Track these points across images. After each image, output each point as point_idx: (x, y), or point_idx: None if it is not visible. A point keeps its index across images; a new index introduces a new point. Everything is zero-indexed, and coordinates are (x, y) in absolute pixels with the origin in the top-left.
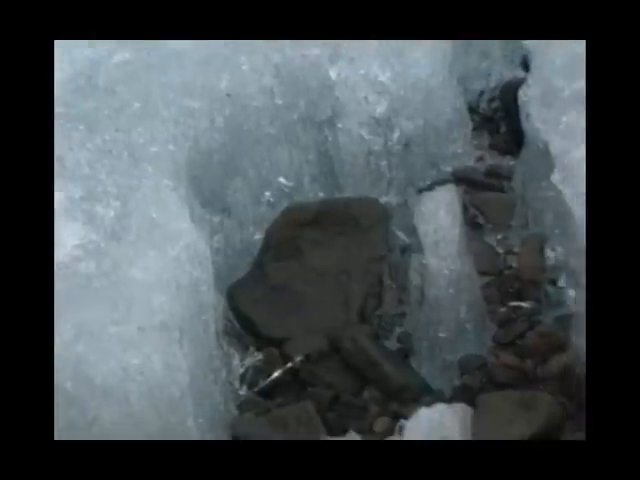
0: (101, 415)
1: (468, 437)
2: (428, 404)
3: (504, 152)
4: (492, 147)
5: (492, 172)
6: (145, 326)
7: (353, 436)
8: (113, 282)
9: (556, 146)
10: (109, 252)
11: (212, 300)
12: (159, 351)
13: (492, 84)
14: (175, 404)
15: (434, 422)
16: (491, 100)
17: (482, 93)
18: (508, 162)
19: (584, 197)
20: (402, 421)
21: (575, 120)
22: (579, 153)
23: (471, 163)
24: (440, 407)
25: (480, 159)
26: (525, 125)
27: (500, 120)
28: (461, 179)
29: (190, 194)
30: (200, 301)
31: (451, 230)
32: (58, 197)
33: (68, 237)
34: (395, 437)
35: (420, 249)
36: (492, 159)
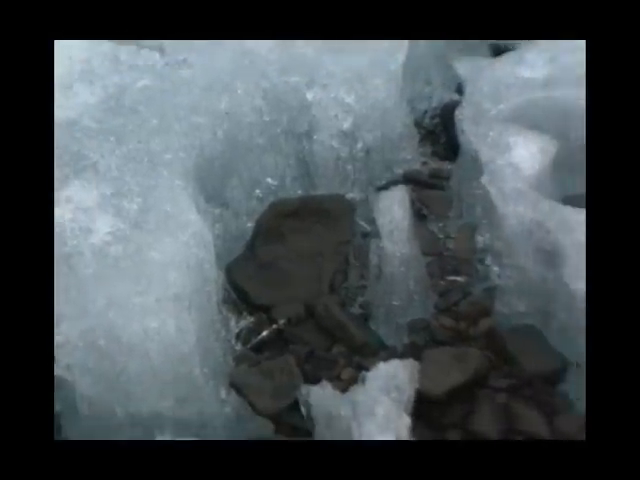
0: (127, 367)
1: (416, 386)
2: (384, 358)
3: (443, 158)
4: (434, 154)
5: (434, 174)
6: (161, 297)
7: (325, 385)
8: (136, 262)
9: (484, 155)
10: (133, 238)
11: (214, 276)
12: (172, 317)
13: (434, 104)
14: (185, 358)
15: (390, 374)
16: (433, 117)
17: (426, 112)
18: (447, 166)
19: (506, 195)
20: (364, 372)
21: (499, 135)
22: (501, 161)
23: (418, 167)
24: (394, 362)
25: (425, 163)
26: (460, 138)
27: (440, 133)
28: (410, 179)
29: (196, 192)
30: (204, 277)
31: (402, 221)
32: (93, 194)
33: (101, 226)
34: (358, 385)
35: (378, 235)
36: (434, 163)
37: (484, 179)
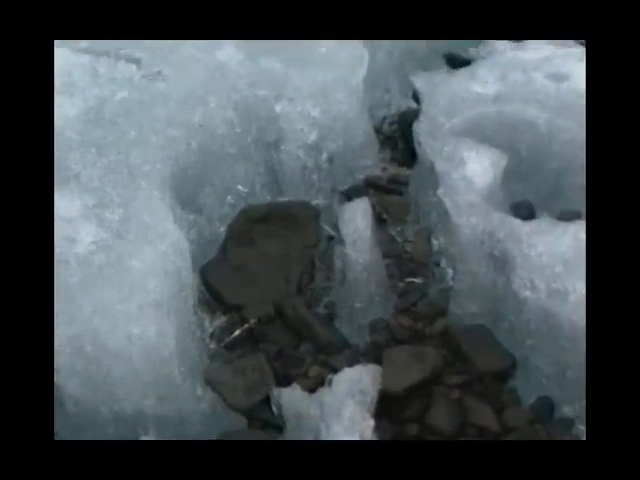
0: (112, 370)
1: (378, 388)
2: (348, 357)
3: (401, 164)
4: (393, 160)
5: (393, 180)
6: (143, 304)
7: (295, 387)
8: (118, 271)
9: (440, 167)
10: (115, 247)
11: (190, 281)
12: (153, 322)
13: (392, 112)
14: (165, 361)
15: (354, 378)
16: (391, 124)
17: (385, 118)
18: (405, 172)
19: (459, 207)
20: (330, 376)
21: (453, 149)
22: (456, 174)
23: (378, 173)
24: (358, 368)
25: (384, 169)
26: (417, 149)
27: (398, 139)
28: (370, 185)
29: (173, 200)
30: (181, 283)
31: (365, 231)
32: (76, 205)
33: (85, 236)
34: (325, 387)
35: (342, 242)
36: (393, 169)
37: (440, 191)
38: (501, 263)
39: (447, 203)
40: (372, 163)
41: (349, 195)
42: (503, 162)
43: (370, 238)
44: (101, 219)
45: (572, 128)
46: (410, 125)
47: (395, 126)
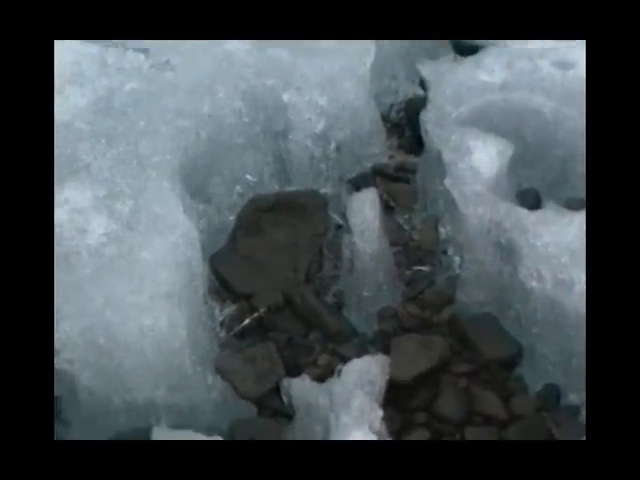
0: (124, 362)
1: (387, 378)
2: (356, 345)
3: (409, 151)
4: (400, 147)
5: (400, 167)
6: (154, 295)
7: (304, 377)
8: (129, 262)
9: (447, 157)
10: (126, 239)
11: (200, 271)
12: (165, 314)
13: (399, 99)
14: (176, 352)
15: (363, 369)
16: (399, 111)
17: (392, 105)
18: (412, 159)
19: (467, 197)
20: (339, 366)
21: (460, 138)
22: (463, 164)
23: (385, 160)
24: (367, 358)
25: (391, 157)
26: (424, 138)
27: (405, 126)
28: (378, 172)
29: (183, 190)
30: (192, 273)
31: (373, 221)
32: (87, 196)
33: (96, 227)
34: (334, 378)
35: (350, 232)
36: (400, 157)
37: (447, 181)
38: (507, 252)
39: (454, 193)
40: (379, 151)
41: (357, 183)
42: (509, 151)
43: (378, 228)
44: (112, 210)
45: (577, 116)
46: (417, 112)
47: (402, 113)
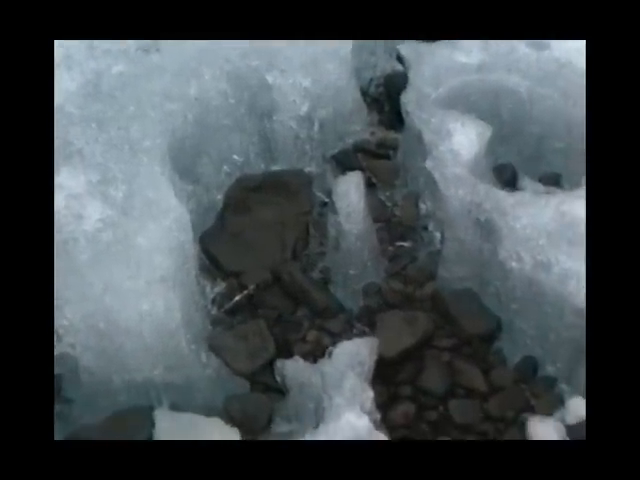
0: (124, 345)
1: (374, 359)
2: (342, 321)
3: (389, 127)
4: (380, 123)
5: (381, 144)
6: (150, 280)
7: (297, 359)
8: (125, 248)
9: (427, 138)
10: (121, 224)
11: (192, 253)
12: (161, 298)
13: (378, 74)
14: (172, 333)
15: (353, 351)
16: (378, 86)
17: (371, 80)
18: (392, 135)
19: (447, 179)
20: (330, 348)
21: (440, 121)
22: (443, 147)
23: (366, 137)
24: (357, 340)
25: (372, 134)
26: (405, 118)
27: (384, 101)
28: (359, 149)
29: (173, 173)
30: (185, 256)
31: (358, 204)
32: (81, 181)
33: (92, 213)
34: (325, 359)
35: (336, 212)
36: (380, 133)
37: (428, 163)
38: (487, 231)
39: (436, 175)
40: (361, 128)
41: (339, 160)
42: (488, 133)
43: (363, 210)
44: (106, 196)
45: (552, 95)
46: (396, 88)
47: (381, 88)
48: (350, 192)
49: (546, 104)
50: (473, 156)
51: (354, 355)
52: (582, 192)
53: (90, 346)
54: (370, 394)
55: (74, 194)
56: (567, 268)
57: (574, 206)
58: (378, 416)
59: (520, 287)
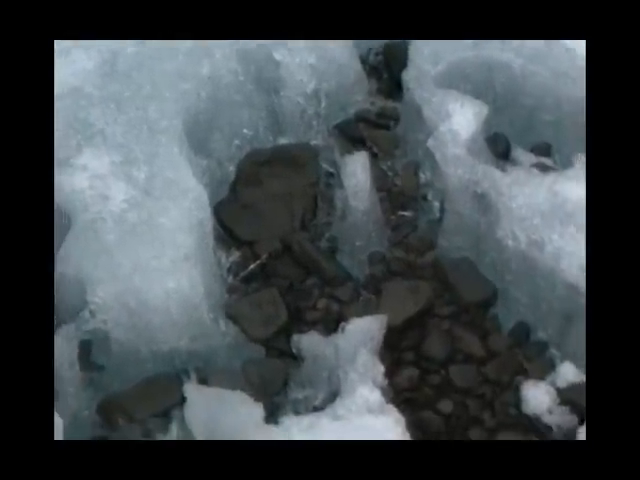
0: (152, 320)
1: (383, 332)
2: (350, 289)
3: (388, 96)
4: (379, 91)
5: (381, 113)
6: (175, 259)
7: (312, 334)
8: (150, 228)
9: (427, 115)
10: (145, 205)
11: (210, 229)
12: (185, 275)
13: (377, 43)
14: (196, 307)
15: (364, 327)
16: (377, 54)
17: (370, 49)
18: (391, 104)
19: (447, 159)
20: (343, 323)
21: (440, 101)
22: (443, 127)
23: (367, 106)
24: (368, 318)
25: (372, 103)
26: (406, 94)
27: (383, 70)
28: (360, 119)
29: (189, 151)
30: (203, 232)
31: (365, 184)
32: (105, 162)
33: (117, 193)
34: (338, 334)
35: (343, 187)
36: (380, 102)
37: (429, 143)
38: (484, 207)
39: (437, 155)
40: (362, 99)
41: (342, 129)
42: (484, 112)
43: (369, 189)
44: (129, 176)
45: (543, 73)
46: (394, 56)
47: (380, 57)
48: (357, 172)
49: (537, 80)
50: (471, 135)
51: (365, 332)
52: (574, 172)
53: (121, 322)
54: (381, 369)
55: (98, 175)
56: (559, 247)
57: (565, 186)
58: (386, 384)
59: (515, 261)
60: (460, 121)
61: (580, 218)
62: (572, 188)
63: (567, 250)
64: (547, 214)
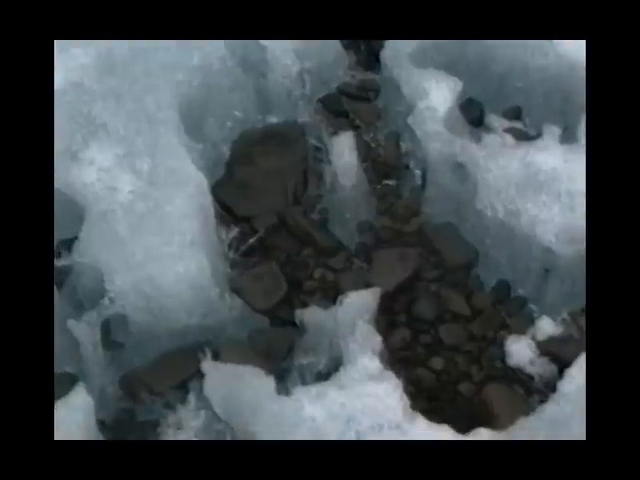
0: (166, 303)
1: (378, 303)
2: (343, 257)
3: (367, 68)
4: (358, 64)
5: (361, 86)
6: (182, 244)
7: (314, 308)
8: (158, 217)
9: (407, 93)
10: (151, 195)
11: (212, 212)
12: (193, 259)
13: None
14: (204, 287)
15: (361, 301)
16: None
17: None
18: (370, 76)
19: (427, 135)
20: (340, 297)
21: (417, 79)
22: (422, 104)
23: (348, 80)
24: (362, 292)
25: (353, 76)
26: (384, 70)
27: (360, 41)
28: (342, 92)
29: (187, 138)
30: (205, 215)
31: (351, 163)
32: (109, 155)
33: (124, 185)
34: (337, 306)
35: (331, 164)
36: (360, 74)
37: (410, 120)
38: (463, 177)
39: (417, 132)
40: (343, 73)
41: (326, 103)
42: (459, 88)
43: (356, 167)
44: (133, 168)
45: (514, 44)
46: None
47: None
48: (344, 153)
49: (507, 51)
50: (447, 110)
51: (362, 304)
52: (543, 143)
53: (138, 306)
54: (378, 338)
55: (105, 168)
56: (534, 215)
57: (537, 158)
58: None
59: (493, 228)
60: (437, 98)
61: (552, 187)
62: (543, 159)
63: (541, 218)
64: (521, 185)
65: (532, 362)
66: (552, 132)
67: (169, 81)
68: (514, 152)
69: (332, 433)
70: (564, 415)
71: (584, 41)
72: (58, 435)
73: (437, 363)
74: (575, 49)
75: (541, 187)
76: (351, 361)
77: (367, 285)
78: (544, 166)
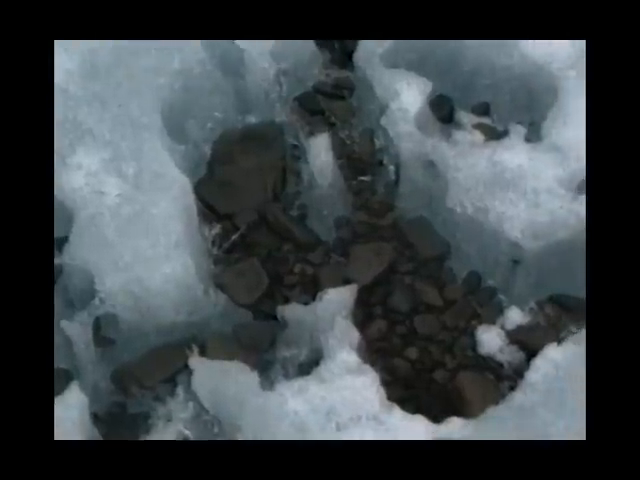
0: (154, 302)
1: (355, 298)
2: (321, 252)
3: (341, 65)
4: (332, 62)
5: (336, 85)
6: (168, 245)
7: (295, 305)
8: (144, 220)
9: (379, 94)
10: (136, 199)
11: (195, 213)
12: (179, 259)
13: None
14: (190, 284)
15: (339, 298)
16: None
17: None
18: (345, 74)
19: (399, 135)
20: (320, 293)
21: (389, 81)
22: (394, 106)
23: (323, 78)
24: (341, 289)
25: (327, 75)
26: (358, 72)
27: (335, 42)
28: (317, 90)
29: (170, 141)
30: (189, 216)
31: (327, 163)
32: (96, 159)
33: (111, 189)
34: (316, 303)
35: (309, 163)
36: (334, 73)
37: (383, 121)
38: (435, 173)
39: (390, 132)
40: (318, 72)
41: (302, 102)
42: (429, 89)
43: (332, 167)
44: (119, 172)
45: (483, 43)
46: None
47: None
48: (321, 154)
49: (475, 50)
50: (418, 110)
51: (340, 302)
52: (509, 142)
53: (127, 306)
54: (356, 333)
55: (92, 172)
56: (501, 212)
57: (503, 156)
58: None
59: (463, 223)
60: (408, 99)
61: (518, 185)
62: (509, 158)
63: (508, 215)
64: (489, 183)
65: (502, 350)
66: (518, 131)
67: (151, 85)
68: (482, 151)
69: (314, 425)
70: (531, 403)
71: (547, 42)
72: (55, 432)
73: (412, 353)
74: (537, 50)
75: (508, 185)
76: (331, 356)
77: (345, 279)
78: (510, 164)
